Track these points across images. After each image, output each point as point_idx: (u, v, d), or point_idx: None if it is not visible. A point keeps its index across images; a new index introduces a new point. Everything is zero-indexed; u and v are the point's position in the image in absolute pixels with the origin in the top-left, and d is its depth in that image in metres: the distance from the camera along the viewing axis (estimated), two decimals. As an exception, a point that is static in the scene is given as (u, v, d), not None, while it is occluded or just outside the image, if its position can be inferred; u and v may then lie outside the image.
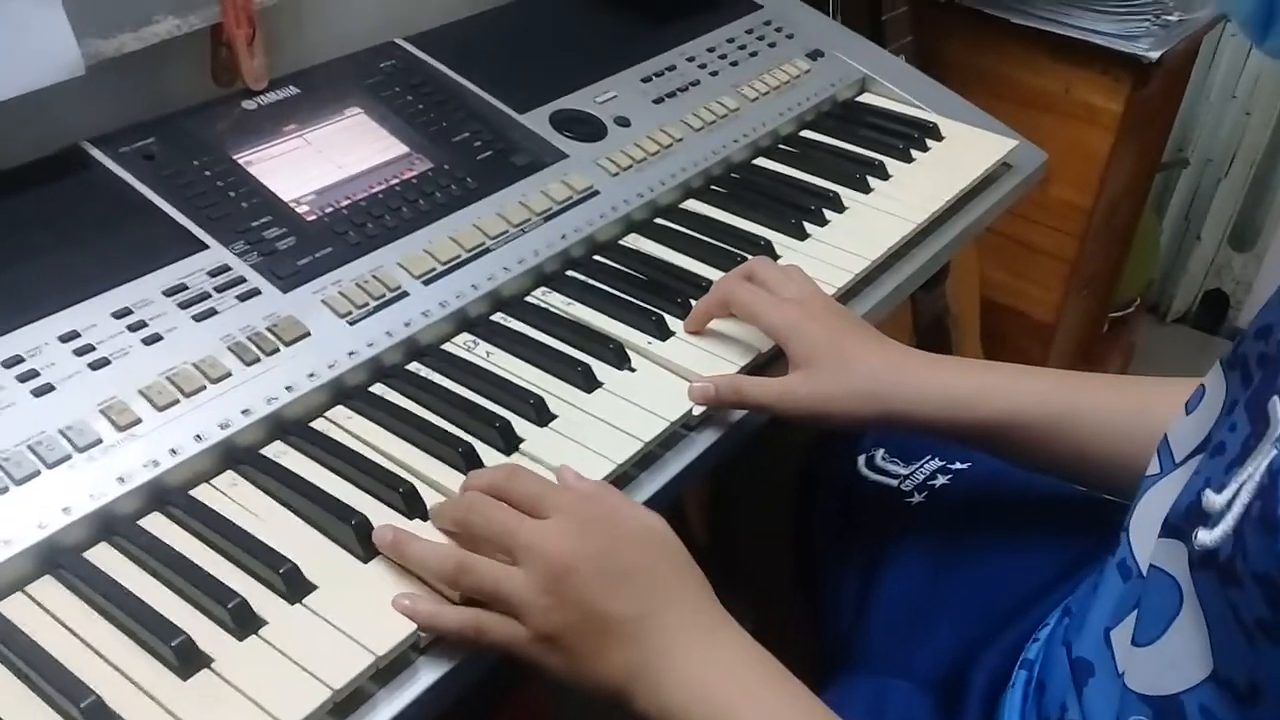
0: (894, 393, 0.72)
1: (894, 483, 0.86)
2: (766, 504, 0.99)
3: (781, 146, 1.07)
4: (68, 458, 0.62)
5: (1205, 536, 0.43)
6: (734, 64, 1.11)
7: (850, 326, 0.76)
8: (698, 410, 0.74)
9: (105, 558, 0.60)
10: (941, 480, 0.85)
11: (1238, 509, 0.42)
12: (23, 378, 0.65)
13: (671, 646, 0.56)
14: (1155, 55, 1.39)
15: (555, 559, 0.57)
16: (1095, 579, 0.59)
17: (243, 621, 0.56)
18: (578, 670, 0.57)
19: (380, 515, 0.63)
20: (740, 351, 0.80)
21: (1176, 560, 0.46)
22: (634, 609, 0.57)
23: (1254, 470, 0.42)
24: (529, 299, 0.83)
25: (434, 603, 0.58)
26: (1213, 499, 0.44)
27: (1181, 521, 0.46)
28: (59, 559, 0.59)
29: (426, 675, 0.57)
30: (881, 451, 0.89)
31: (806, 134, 1.10)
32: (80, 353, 0.67)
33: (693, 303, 0.82)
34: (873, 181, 1.01)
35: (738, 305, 0.78)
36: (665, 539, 0.60)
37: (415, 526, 0.63)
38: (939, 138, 1.10)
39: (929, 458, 0.87)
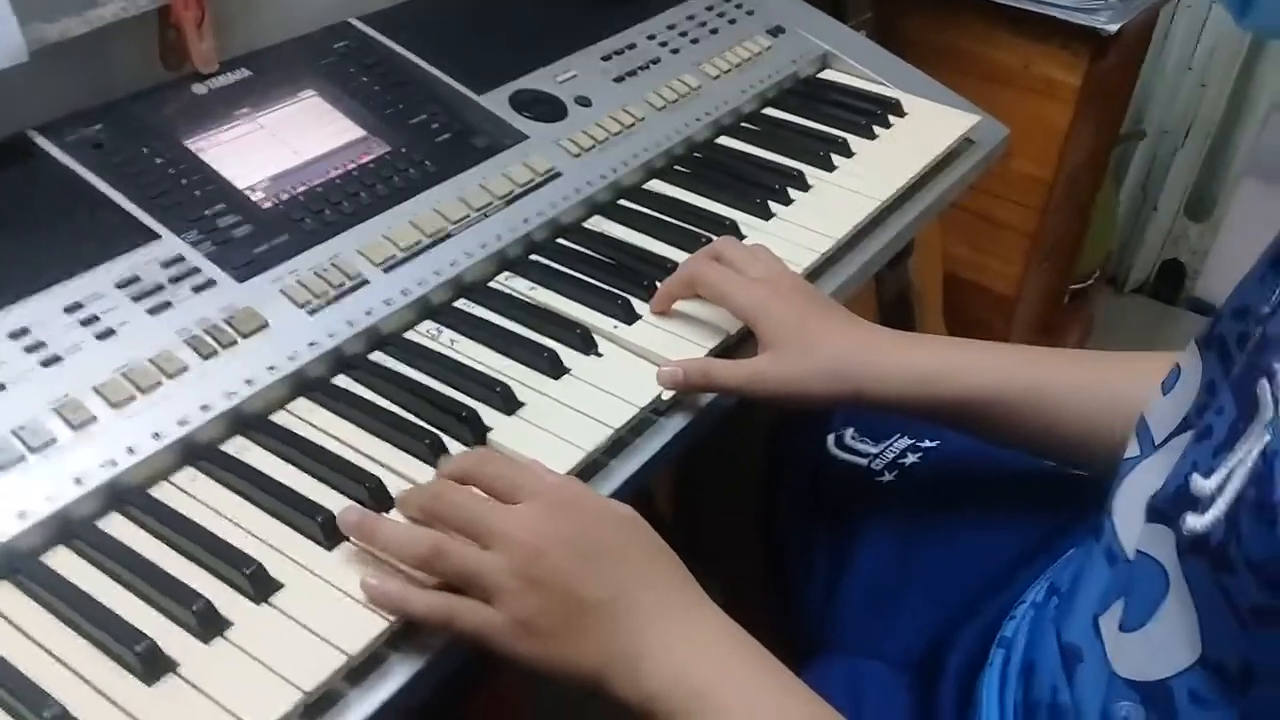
0: (862, 372, 0.72)
1: (864, 461, 0.86)
2: (734, 485, 0.99)
3: (744, 125, 1.06)
4: (21, 459, 0.60)
5: (1194, 521, 0.43)
6: (695, 41, 1.10)
7: (818, 306, 0.76)
8: (666, 395, 0.73)
9: (64, 562, 0.58)
10: (911, 458, 0.85)
11: (1230, 494, 0.41)
12: (-30, 377, 0.63)
13: (647, 627, 0.56)
14: (1114, 28, 1.39)
15: (528, 542, 0.56)
16: (1080, 560, 0.59)
17: (208, 624, 0.55)
18: (552, 656, 0.56)
19: (346, 510, 0.62)
20: (708, 334, 0.79)
21: (1163, 545, 0.46)
22: (608, 591, 0.56)
23: (1245, 455, 0.41)
24: (492, 284, 0.82)
25: (402, 585, 0.57)
26: (1201, 484, 0.43)
27: (1168, 506, 0.46)
28: (16, 564, 0.57)
29: (399, 673, 0.56)
30: (850, 430, 0.89)
31: (769, 111, 1.09)
32: (31, 350, 0.65)
33: (659, 285, 0.81)
34: (836, 159, 1.01)
35: (705, 286, 0.77)
36: (637, 523, 0.60)
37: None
38: (902, 114, 1.09)
39: (898, 436, 0.87)
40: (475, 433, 0.68)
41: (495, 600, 0.56)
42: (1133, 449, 0.56)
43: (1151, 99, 2.14)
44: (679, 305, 0.80)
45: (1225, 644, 0.42)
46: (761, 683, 0.56)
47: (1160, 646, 0.45)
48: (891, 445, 0.86)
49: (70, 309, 0.68)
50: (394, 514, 0.62)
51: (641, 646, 0.56)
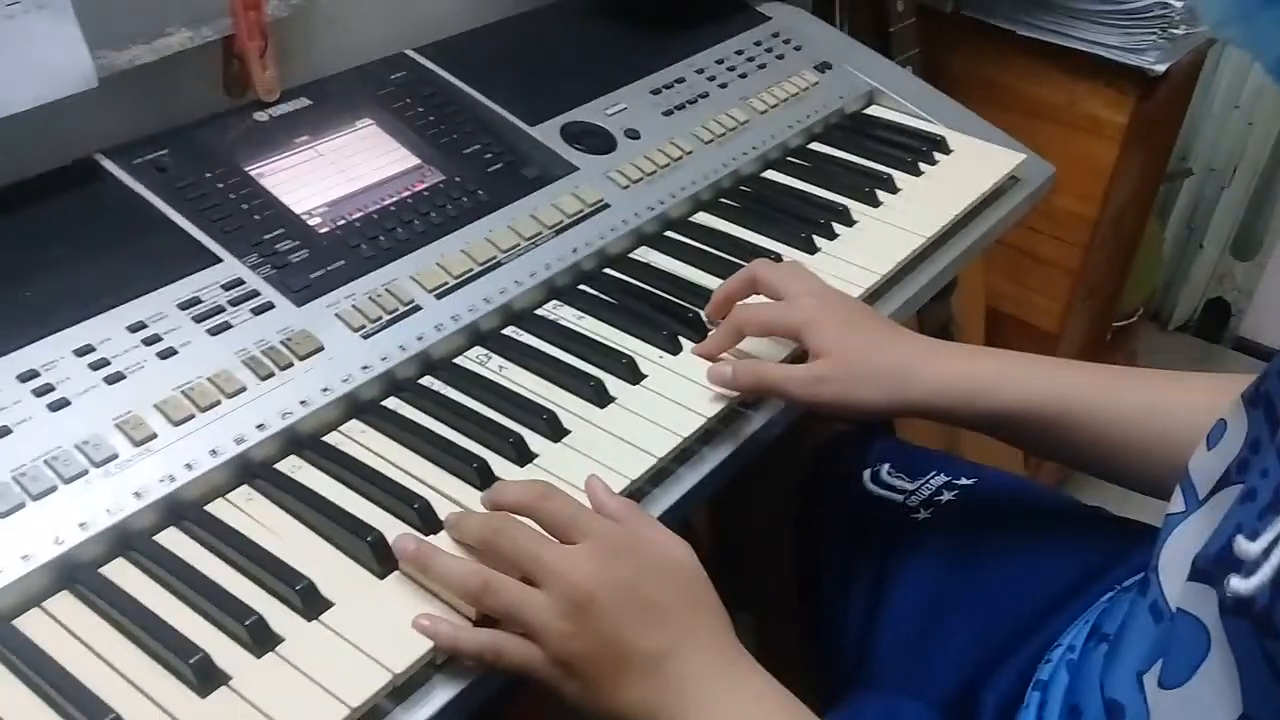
0: (913, 380, 0.72)
1: (899, 498, 0.86)
2: (770, 518, 0.99)
3: (790, 159, 1.07)
4: (84, 473, 0.62)
5: (1239, 584, 0.43)
6: (743, 76, 1.12)
7: (865, 316, 0.77)
8: (714, 408, 0.74)
9: (122, 573, 0.60)
10: (947, 496, 0.85)
11: (1276, 559, 0.41)
12: (39, 392, 0.65)
13: (690, 684, 0.56)
14: (1161, 68, 1.39)
15: (579, 587, 0.57)
16: (1126, 613, 0.58)
17: (260, 639, 0.57)
18: (594, 699, 0.57)
19: (395, 530, 0.63)
20: (751, 366, 0.80)
21: (1205, 604, 0.46)
22: (654, 643, 0.57)
23: None
24: (541, 313, 0.84)
25: (453, 625, 0.58)
26: (1246, 546, 0.43)
27: (1212, 566, 0.46)
28: (76, 574, 0.59)
29: (442, 693, 0.58)
30: (887, 466, 0.89)
31: (815, 146, 1.10)
32: (96, 367, 0.67)
33: (703, 315, 0.82)
34: (881, 195, 1.02)
35: (753, 326, 0.78)
36: (690, 571, 0.60)
37: (430, 541, 0.63)
38: (947, 151, 1.10)
39: (934, 473, 0.87)
40: (521, 458, 0.70)
41: (541, 640, 0.57)
42: (1177, 504, 0.55)
43: (1198, 137, 2.14)
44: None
45: (1267, 706, 0.42)
46: None
47: (1201, 705, 0.45)
48: (928, 482, 0.86)
49: (134, 328, 0.70)
50: (442, 535, 0.64)
51: (683, 703, 0.56)
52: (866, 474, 0.89)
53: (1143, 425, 0.69)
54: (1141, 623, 0.54)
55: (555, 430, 0.72)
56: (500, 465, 0.69)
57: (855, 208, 0.99)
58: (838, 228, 0.97)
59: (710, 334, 0.81)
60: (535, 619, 0.57)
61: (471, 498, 0.66)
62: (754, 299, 0.81)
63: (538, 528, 0.61)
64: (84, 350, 0.68)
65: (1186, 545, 0.50)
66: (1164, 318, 2.36)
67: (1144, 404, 0.70)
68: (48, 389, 0.65)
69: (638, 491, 0.70)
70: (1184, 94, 1.74)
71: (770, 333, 0.78)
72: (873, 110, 1.18)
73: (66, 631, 0.57)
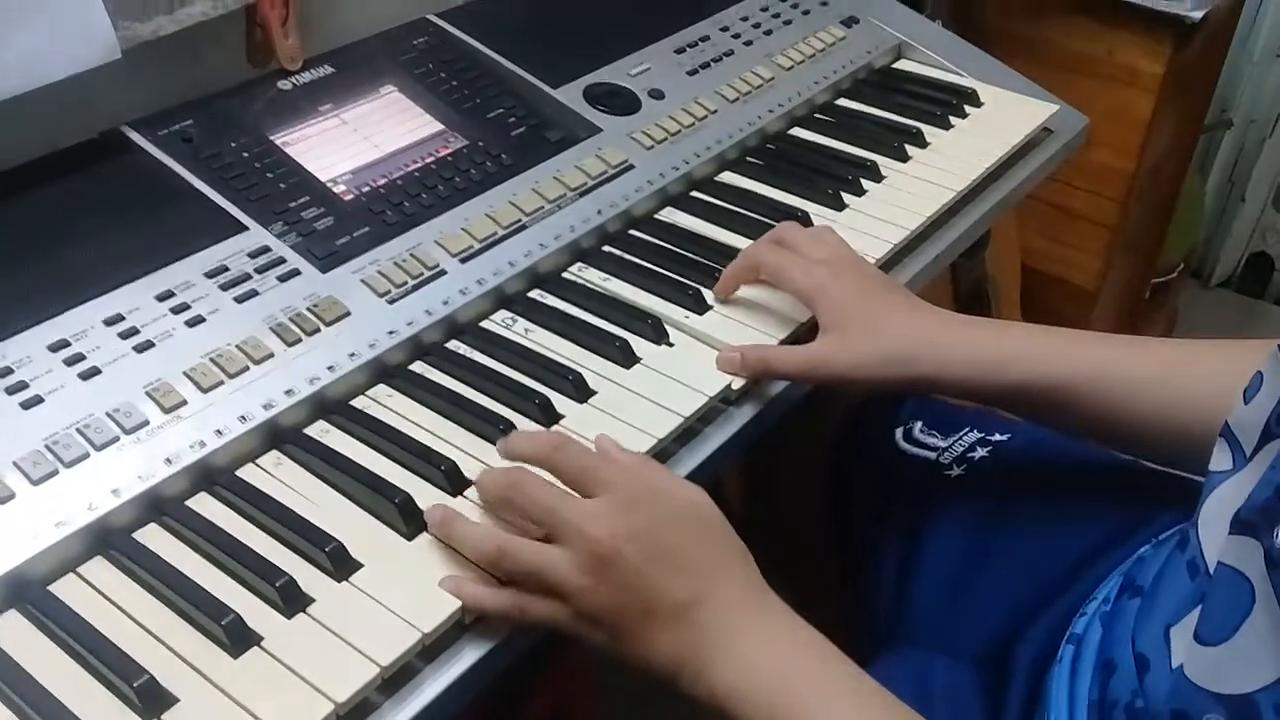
0: (923, 356, 0.71)
1: (933, 455, 0.85)
2: (803, 477, 0.99)
3: (818, 116, 1.06)
4: (116, 440, 0.63)
5: None
6: (768, 33, 1.10)
7: (880, 288, 0.75)
8: (736, 384, 0.74)
9: (155, 538, 0.61)
10: (981, 452, 0.84)
11: None
12: (70, 361, 0.66)
13: (721, 628, 0.56)
14: (1198, 15, 1.36)
15: (600, 541, 0.56)
16: (1163, 567, 0.57)
17: (291, 600, 0.57)
18: (623, 650, 0.57)
19: (423, 493, 0.64)
20: (778, 323, 0.79)
21: (1249, 558, 0.44)
22: (680, 590, 0.56)
23: None
24: (566, 275, 0.83)
25: (479, 584, 0.59)
26: None
27: (1257, 518, 0.45)
28: (109, 540, 0.60)
29: (472, 652, 0.58)
30: (920, 424, 0.88)
31: (843, 103, 1.09)
32: (125, 335, 0.68)
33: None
34: (911, 150, 1.00)
35: (766, 269, 0.77)
36: (710, 516, 0.60)
37: (458, 504, 0.64)
38: (978, 104, 1.08)
39: (968, 430, 0.86)
40: (548, 419, 0.70)
41: (564, 596, 0.57)
42: (1223, 462, 0.54)
43: (1239, 87, 2.09)
44: (749, 294, 0.81)
45: None
46: (835, 685, 0.56)
47: (1245, 661, 0.44)
48: (961, 439, 0.85)
49: (162, 297, 0.71)
50: (471, 492, 0.64)
51: (715, 647, 0.56)
52: (899, 432, 0.88)
53: (1151, 396, 0.67)
54: (1176, 579, 0.53)
55: (581, 391, 0.72)
56: (527, 427, 0.69)
57: (884, 163, 0.98)
58: (866, 184, 0.95)
59: (727, 268, 0.81)
60: (556, 577, 0.57)
61: (499, 460, 0.66)
62: None
63: (555, 480, 0.61)
64: (113, 319, 0.69)
65: (1229, 500, 0.49)
66: (1205, 274, 2.32)
67: (1153, 375, 0.68)
68: (79, 358, 0.66)
69: (664, 451, 0.70)
70: (1222, 42, 1.70)
71: (781, 286, 0.77)
72: (901, 64, 1.16)
73: (101, 596, 0.58)
